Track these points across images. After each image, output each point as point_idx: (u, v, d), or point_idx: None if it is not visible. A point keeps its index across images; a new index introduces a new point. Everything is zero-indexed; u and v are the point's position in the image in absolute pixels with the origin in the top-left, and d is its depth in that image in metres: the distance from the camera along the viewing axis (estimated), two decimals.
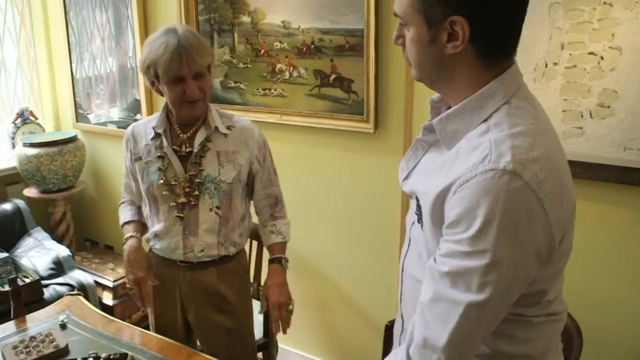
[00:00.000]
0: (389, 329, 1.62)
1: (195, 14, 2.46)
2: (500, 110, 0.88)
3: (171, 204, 1.65)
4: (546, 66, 1.70)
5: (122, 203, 1.85)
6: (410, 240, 1.08)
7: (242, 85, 2.42)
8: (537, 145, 0.84)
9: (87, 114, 3.18)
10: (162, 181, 1.64)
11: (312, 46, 2.16)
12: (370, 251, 2.27)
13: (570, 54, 1.65)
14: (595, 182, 1.70)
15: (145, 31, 2.69)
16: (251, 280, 2.39)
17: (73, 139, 3.04)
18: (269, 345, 2.12)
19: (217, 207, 1.66)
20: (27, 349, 1.53)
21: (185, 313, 1.76)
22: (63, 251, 2.81)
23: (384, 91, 2.08)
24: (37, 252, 2.84)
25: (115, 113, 3.05)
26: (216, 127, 1.65)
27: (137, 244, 1.70)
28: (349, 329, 2.45)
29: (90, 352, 1.50)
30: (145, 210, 1.76)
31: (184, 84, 1.54)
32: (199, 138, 1.64)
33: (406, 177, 1.06)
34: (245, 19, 2.32)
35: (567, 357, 1.50)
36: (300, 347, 2.63)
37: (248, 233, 1.81)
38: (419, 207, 0.97)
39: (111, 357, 1.45)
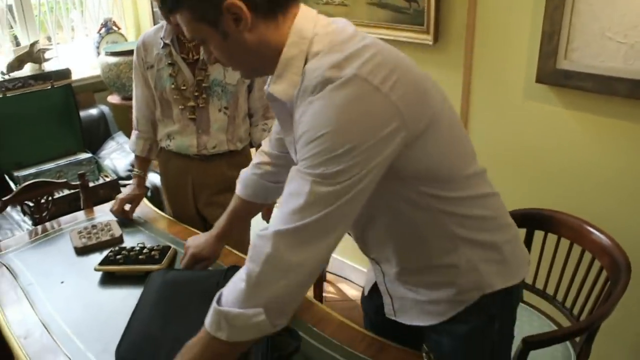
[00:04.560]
0: None
1: None
2: (312, 47, 0.93)
3: (180, 107, 1.79)
4: None
5: (138, 133, 1.95)
6: None
7: None
8: (347, 46, 0.90)
9: None
10: (173, 86, 1.78)
11: None
12: None
13: None
14: None
15: None
16: None
17: None
18: None
19: (225, 108, 1.82)
20: (89, 235, 1.70)
21: (196, 202, 1.93)
22: None
23: (445, 0, 1.93)
24: (119, 155, 3.07)
25: None
26: None
27: (141, 186, 1.92)
28: None
29: (139, 242, 1.63)
30: (157, 114, 1.89)
31: None
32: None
33: None
34: None
35: (611, 292, 1.43)
36: (351, 259, 2.71)
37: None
38: None
39: (154, 248, 1.57)
